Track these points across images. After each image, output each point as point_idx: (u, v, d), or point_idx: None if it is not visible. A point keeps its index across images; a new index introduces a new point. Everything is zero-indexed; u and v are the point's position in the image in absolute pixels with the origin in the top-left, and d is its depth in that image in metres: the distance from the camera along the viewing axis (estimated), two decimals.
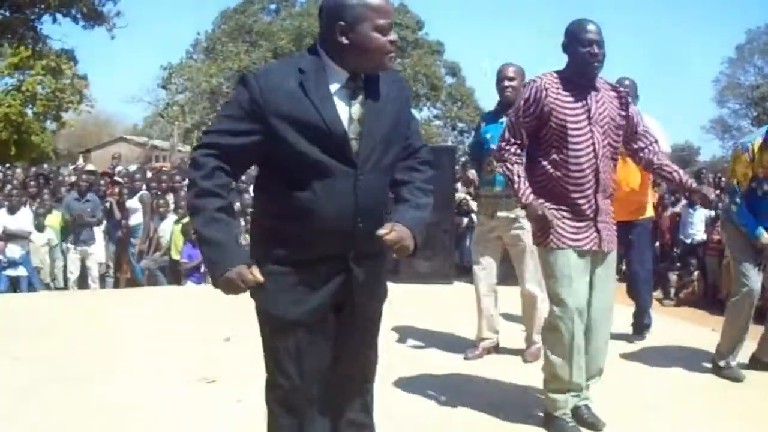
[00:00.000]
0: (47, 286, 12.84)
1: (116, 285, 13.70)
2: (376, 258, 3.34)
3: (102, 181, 14.81)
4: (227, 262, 3.08)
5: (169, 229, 13.03)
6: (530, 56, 79.65)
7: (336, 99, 3.14)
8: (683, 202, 13.61)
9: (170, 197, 14.04)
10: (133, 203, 13.96)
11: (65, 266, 13.16)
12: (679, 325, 8.92)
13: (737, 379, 6.14)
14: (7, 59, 34.12)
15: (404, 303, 9.60)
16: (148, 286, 12.70)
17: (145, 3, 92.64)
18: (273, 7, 49.39)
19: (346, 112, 3.14)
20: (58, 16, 26.97)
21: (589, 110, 4.76)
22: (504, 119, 6.16)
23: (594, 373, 5.03)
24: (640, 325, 7.60)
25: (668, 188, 13.90)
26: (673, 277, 13.05)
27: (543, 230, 4.80)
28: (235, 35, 46.47)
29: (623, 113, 4.94)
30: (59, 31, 32.92)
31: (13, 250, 12.44)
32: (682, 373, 6.38)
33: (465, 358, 6.80)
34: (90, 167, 18.80)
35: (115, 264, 13.99)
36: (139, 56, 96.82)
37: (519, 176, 4.85)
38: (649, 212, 7.60)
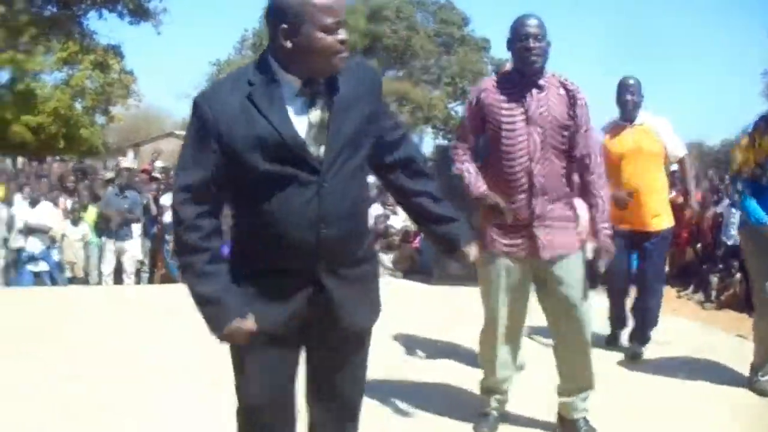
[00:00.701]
0: (83, 281, 12.83)
1: (151, 281, 13.63)
2: (356, 268, 3.13)
3: (137, 178, 14.74)
4: (223, 319, 2.96)
5: None
6: (582, 54, 79.13)
7: (290, 108, 2.95)
8: (726, 201, 13.18)
9: None
10: (168, 200, 13.74)
11: (100, 261, 13.11)
12: (704, 331, 8.66)
13: (763, 393, 5.81)
14: (56, 54, 34.31)
15: (436, 305, 9.54)
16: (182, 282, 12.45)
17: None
18: None
19: (304, 119, 2.95)
20: (105, 12, 27.02)
21: (527, 110, 4.58)
22: None
23: (580, 385, 4.83)
24: (644, 337, 7.01)
25: (710, 187, 13.50)
26: (714, 279, 12.57)
27: (492, 215, 4.66)
28: None
29: (571, 112, 4.65)
30: (106, 27, 33.04)
31: (35, 245, 12.36)
32: (701, 385, 6.08)
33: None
34: (128, 164, 18.73)
35: (150, 260, 13.92)
36: (190, 52, 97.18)
37: (470, 171, 4.74)
38: (667, 221, 6.86)
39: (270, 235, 2.98)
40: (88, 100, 36.84)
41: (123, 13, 27.49)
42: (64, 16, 25.27)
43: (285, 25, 2.86)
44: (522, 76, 4.64)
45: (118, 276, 13.23)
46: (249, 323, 2.96)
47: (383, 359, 6.25)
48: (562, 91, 4.67)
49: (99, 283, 12.86)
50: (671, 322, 8.14)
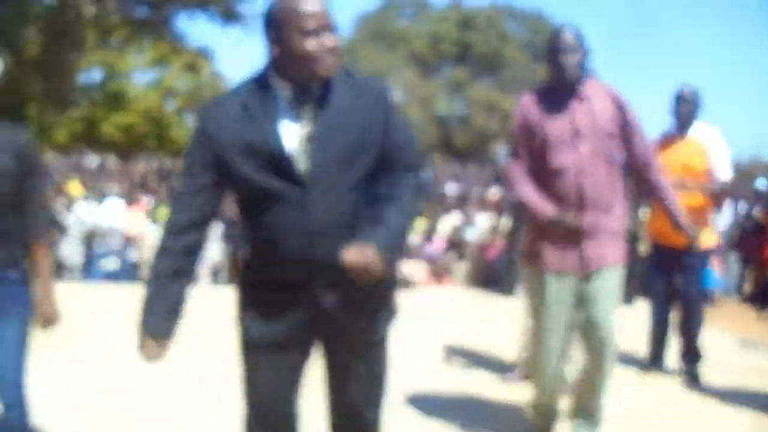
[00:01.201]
0: None
1: (229, 283, 13.46)
2: (357, 285, 2.92)
3: None
4: (142, 328, 3.00)
5: None
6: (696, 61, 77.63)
7: (284, 118, 2.89)
8: None
9: None
10: None
11: None
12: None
13: None
14: (147, 55, 34.71)
15: (463, 312, 9.22)
16: None
17: None
18: (410, 11, 49.14)
19: (296, 128, 2.89)
20: (195, 14, 27.07)
21: (572, 121, 4.41)
22: None
23: (586, 411, 4.70)
24: (693, 356, 6.46)
25: None
26: None
27: (561, 228, 4.43)
28: (372, 39, 46.35)
29: (618, 119, 4.47)
30: (197, 30, 33.38)
31: (108, 243, 12.23)
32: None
33: (503, 380, 6.32)
34: None
35: (229, 262, 13.77)
36: None
37: (531, 195, 4.51)
38: (708, 240, 6.28)
39: (266, 248, 2.98)
40: (179, 101, 37.14)
41: (214, 16, 27.42)
42: (155, 18, 25.34)
43: (272, 32, 2.86)
44: (562, 87, 4.46)
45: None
46: (154, 349, 2.98)
47: (441, 369, 6.40)
48: (606, 98, 4.49)
49: None
50: (739, 346, 7.63)
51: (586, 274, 4.44)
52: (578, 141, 4.38)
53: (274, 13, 2.82)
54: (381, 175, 3.05)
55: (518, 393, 5.69)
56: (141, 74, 37.90)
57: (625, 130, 4.47)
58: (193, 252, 3.02)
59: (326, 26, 2.81)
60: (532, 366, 4.81)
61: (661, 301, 6.60)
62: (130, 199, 13.71)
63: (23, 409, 3.84)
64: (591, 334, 4.48)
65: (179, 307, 3.03)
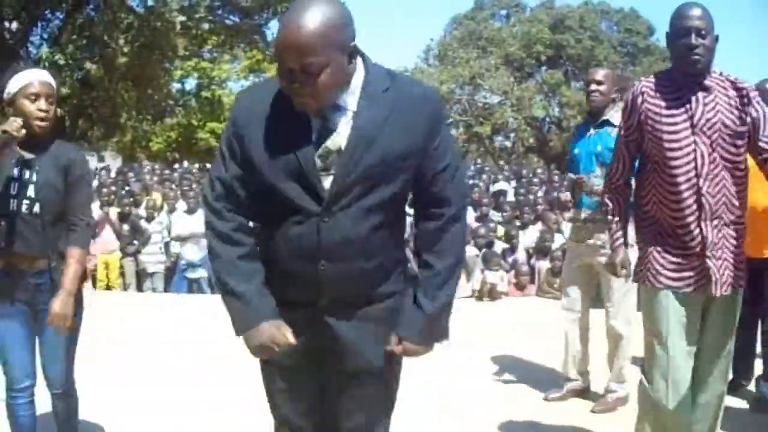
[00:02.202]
0: None
1: None
2: (370, 307, 2.87)
3: None
4: (251, 319, 2.77)
5: None
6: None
7: (314, 123, 2.71)
8: None
9: None
10: None
11: None
12: None
13: None
14: (243, 63, 34.75)
15: (499, 324, 8.98)
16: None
17: (380, 7, 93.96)
18: (503, 13, 48.41)
19: (325, 138, 2.71)
20: None
21: (692, 116, 3.87)
22: (592, 131, 5.84)
23: None
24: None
25: None
26: None
27: (639, 266, 4.12)
28: (465, 41, 45.72)
29: (745, 116, 3.90)
30: None
31: (192, 252, 11.96)
32: None
33: (545, 399, 6.08)
34: None
35: None
36: (378, 59, 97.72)
37: (614, 215, 4.23)
38: None
39: (275, 263, 2.84)
40: None
41: None
42: (246, 25, 25.19)
43: None
44: (685, 77, 3.92)
45: None
46: (286, 332, 2.76)
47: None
48: (732, 93, 3.91)
49: None
50: None
51: (711, 294, 3.95)
52: (697, 138, 3.86)
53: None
54: (418, 201, 2.91)
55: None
56: (236, 82, 38.01)
57: (752, 127, 3.90)
58: (247, 233, 2.85)
59: (294, 70, 2.56)
60: (640, 403, 4.24)
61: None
62: None
63: (70, 400, 4.37)
64: (710, 355, 4.07)
65: (265, 286, 2.82)
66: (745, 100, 3.88)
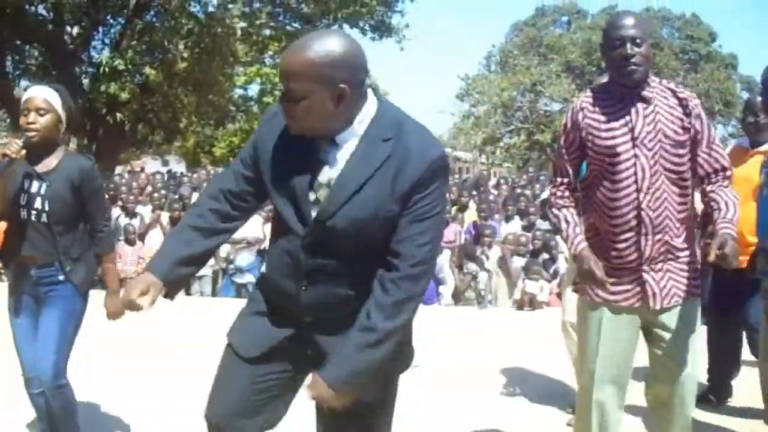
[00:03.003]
0: None
1: None
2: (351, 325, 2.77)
3: None
4: (148, 264, 2.90)
5: None
6: None
7: (321, 151, 2.75)
8: None
9: None
10: None
11: None
12: None
13: None
14: None
15: (536, 333, 8.66)
16: None
17: (443, 13, 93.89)
18: (564, 19, 48.00)
19: (323, 170, 2.76)
20: (346, 27, 26.70)
21: (632, 129, 3.72)
22: None
23: None
24: None
25: None
26: None
27: (584, 282, 3.88)
28: (526, 48, 45.39)
29: (687, 126, 3.74)
30: None
31: (243, 257, 11.76)
32: None
33: (568, 425, 5.59)
34: None
35: None
36: (438, 67, 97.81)
37: (567, 221, 3.94)
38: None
39: (269, 272, 2.96)
40: None
41: (365, 29, 26.98)
42: (307, 32, 24.96)
43: None
44: (623, 88, 3.78)
45: None
46: (147, 295, 2.76)
47: None
48: (673, 101, 3.77)
49: None
50: None
51: (655, 309, 3.80)
52: (638, 151, 3.70)
53: None
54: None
55: None
56: None
57: (692, 137, 3.74)
58: (223, 217, 2.92)
59: (285, 87, 2.62)
60: (580, 413, 4.10)
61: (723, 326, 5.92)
62: (269, 215, 13.34)
63: (63, 398, 4.33)
64: (665, 374, 3.86)
65: (192, 260, 2.89)
66: (688, 110, 3.73)
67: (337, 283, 2.78)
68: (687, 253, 3.81)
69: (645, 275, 3.75)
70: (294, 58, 2.55)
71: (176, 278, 2.85)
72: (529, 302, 10.72)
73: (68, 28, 19.67)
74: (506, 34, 48.84)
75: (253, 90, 35.99)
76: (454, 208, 13.90)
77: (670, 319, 3.79)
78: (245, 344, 2.94)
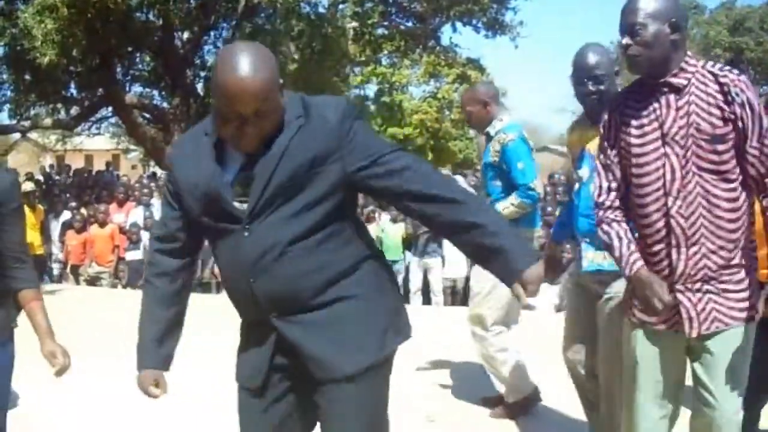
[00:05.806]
0: None
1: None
2: (321, 311, 2.65)
3: None
4: (138, 363, 2.86)
5: None
6: None
7: (230, 156, 2.65)
8: None
9: None
10: None
11: (405, 279, 12.17)
12: None
13: None
14: (422, 67, 34.04)
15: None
16: None
17: (561, 10, 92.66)
18: None
19: (236, 168, 2.64)
20: (459, 25, 25.81)
21: (662, 125, 3.16)
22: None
23: None
24: None
25: None
26: None
27: (646, 308, 3.25)
28: None
29: (728, 115, 3.06)
30: (465, 41, 32.58)
31: None
32: None
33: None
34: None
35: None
36: (556, 65, 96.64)
37: (619, 237, 3.31)
38: None
39: (225, 282, 2.85)
40: (455, 113, 36.11)
41: (478, 27, 25.99)
42: (421, 30, 24.43)
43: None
44: (649, 79, 3.23)
45: (426, 295, 12.17)
46: (157, 386, 2.82)
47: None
48: (713, 88, 3.11)
49: (406, 302, 11.37)
50: None
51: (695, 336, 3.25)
52: (668, 150, 3.16)
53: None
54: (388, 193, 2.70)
55: None
56: (417, 86, 37.42)
57: (735, 131, 3.06)
58: (176, 253, 2.86)
59: (243, 115, 2.45)
60: None
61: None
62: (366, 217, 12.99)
63: None
64: (704, 410, 3.24)
65: (171, 330, 2.89)
66: (730, 97, 3.06)
67: (279, 267, 2.60)
68: (735, 270, 3.18)
69: (680, 296, 3.20)
70: (259, 80, 2.42)
71: (167, 354, 2.90)
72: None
73: (178, 33, 19.36)
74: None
75: (371, 90, 35.64)
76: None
77: (714, 344, 3.21)
78: (246, 373, 2.83)
